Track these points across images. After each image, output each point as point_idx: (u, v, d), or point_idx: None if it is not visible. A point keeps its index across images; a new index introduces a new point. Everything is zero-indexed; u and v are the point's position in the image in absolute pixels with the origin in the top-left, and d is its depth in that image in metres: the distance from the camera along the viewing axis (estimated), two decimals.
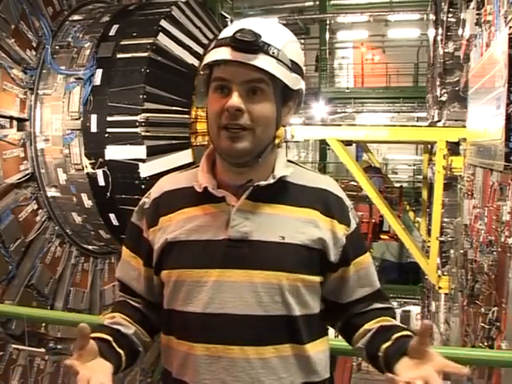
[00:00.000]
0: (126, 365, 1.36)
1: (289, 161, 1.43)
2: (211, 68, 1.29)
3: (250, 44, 1.23)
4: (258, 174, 1.33)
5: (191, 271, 1.30)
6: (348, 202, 1.41)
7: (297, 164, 1.45)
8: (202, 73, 1.34)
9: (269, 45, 1.25)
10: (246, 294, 1.27)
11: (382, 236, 13.27)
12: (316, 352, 1.35)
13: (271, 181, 1.32)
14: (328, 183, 1.42)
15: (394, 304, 18.11)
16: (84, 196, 4.48)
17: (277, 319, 1.28)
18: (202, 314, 1.28)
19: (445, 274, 7.92)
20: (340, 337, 1.51)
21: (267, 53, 1.24)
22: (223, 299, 1.28)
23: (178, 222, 1.34)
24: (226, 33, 1.28)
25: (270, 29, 1.29)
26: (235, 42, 1.23)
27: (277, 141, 1.34)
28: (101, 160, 4.26)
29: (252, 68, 1.23)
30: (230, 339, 1.27)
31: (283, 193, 1.34)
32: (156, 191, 1.43)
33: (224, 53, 1.24)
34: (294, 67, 1.30)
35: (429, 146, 11.20)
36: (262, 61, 1.23)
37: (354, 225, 1.39)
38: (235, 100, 1.24)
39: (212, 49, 1.29)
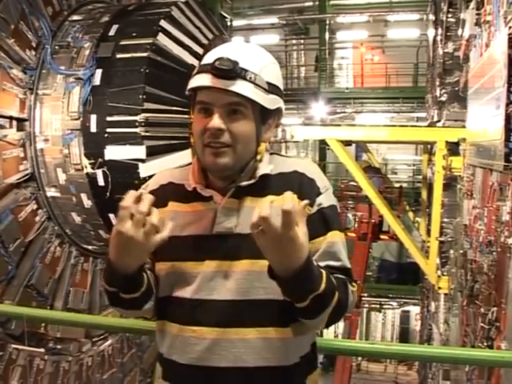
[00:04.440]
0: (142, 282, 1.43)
1: (272, 153, 1.57)
2: (195, 90, 1.43)
3: (229, 71, 1.36)
4: (242, 178, 1.47)
5: (184, 263, 1.46)
6: (322, 184, 1.50)
7: (278, 154, 1.59)
8: (187, 93, 1.47)
9: (246, 70, 1.38)
10: (229, 282, 1.42)
11: (381, 236, 13.28)
12: (300, 333, 1.45)
13: (252, 181, 1.46)
14: (304, 166, 1.52)
15: (394, 304, 18.14)
16: (83, 196, 4.48)
17: (258, 303, 1.41)
18: (192, 299, 1.44)
19: (444, 274, 7.92)
20: (340, 337, 1.54)
21: (245, 78, 1.38)
22: (210, 287, 1.43)
23: (171, 217, 1.45)
24: (208, 59, 1.41)
25: (248, 54, 1.43)
26: (215, 70, 1.37)
27: (258, 157, 1.48)
28: (100, 160, 4.26)
29: (231, 93, 1.37)
30: (214, 322, 1.41)
31: (265, 187, 1.46)
32: (153, 184, 1.58)
33: (205, 79, 1.39)
34: (271, 88, 1.44)
35: (428, 146, 11.20)
36: (239, 86, 1.37)
37: (317, 206, 1.46)
38: (216, 121, 1.38)
39: (196, 74, 1.43)
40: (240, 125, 1.40)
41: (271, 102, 1.43)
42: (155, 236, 1.29)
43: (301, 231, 1.23)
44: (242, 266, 1.41)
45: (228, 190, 1.46)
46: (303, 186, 1.46)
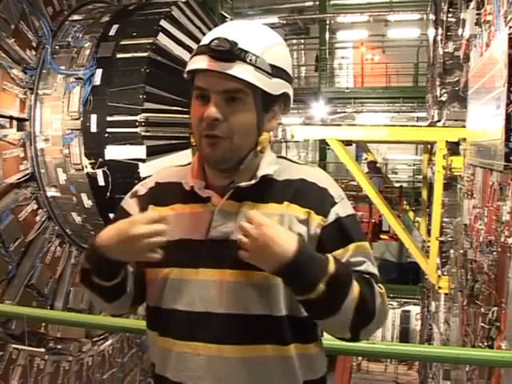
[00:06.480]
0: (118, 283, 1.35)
1: (280, 156, 1.43)
2: (193, 74, 1.31)
3: (226, 53, 1.24)
4: (242, 175, 1.34)
5: (177, 270, 1.33)
6: (336, 193, 1.37)
7: (286, 159, 1.45)
8: (185, 77, 1.34)
9: (246, 52, 1.25)
10: (226, 294, 1.29)
11: (381, 236, 13.29)
12: (301, 354, 1.32)
13: (252, 181, 1.33)
14: (314, 175, 1.39)
15: (394, 304, 18.14)
16: (84, 196, 4.48)
17: (257, 319, 1.29)
18: (186, 311, 1.31)
19: (444, 273, 7.93)
20: None
21: (244, 60, 1.25)
22: (205, 298, 1.30)
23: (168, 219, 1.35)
24: (205, 40, 1.29)
25: (249, 34, 1.30)
26: (211, 51, 1.25)
27: (259, 147, 1.34)
28: (101, 160, 4.26)
29: (229, 77, 1.24)
30: (209, 337, 1.29)
31: (267, 191, 1.34)
32: (151, 181, 1.47)
33: (201, 61, 1.26)
34: (276, 72, 1.30)
35: (429, 145, 11.20)
36: (238, 69, 1.24)
37: (334, 216, 1.33)
38: (212, 110, 1.25)
39: (193, 56, 1.31)
40: (239, 115, 1.27)
41: (275, 86, 1.29)
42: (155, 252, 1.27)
43: (274, 232, 1.21)
44: (238, 276, 1.29)
45: (226, 191, 1.33)
46: (312, 195, 1.34)
